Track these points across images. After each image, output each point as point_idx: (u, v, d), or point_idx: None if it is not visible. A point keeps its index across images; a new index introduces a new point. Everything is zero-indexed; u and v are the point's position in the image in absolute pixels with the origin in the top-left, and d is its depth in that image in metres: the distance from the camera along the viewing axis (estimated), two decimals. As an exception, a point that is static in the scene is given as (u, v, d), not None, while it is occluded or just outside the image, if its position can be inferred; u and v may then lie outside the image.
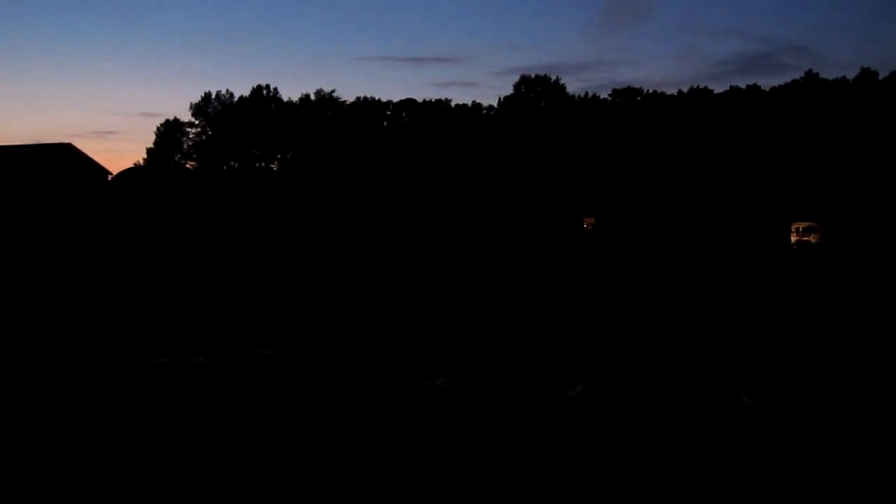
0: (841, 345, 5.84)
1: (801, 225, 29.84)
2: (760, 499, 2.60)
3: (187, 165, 64.38)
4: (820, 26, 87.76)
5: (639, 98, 62.96)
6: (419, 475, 2.75)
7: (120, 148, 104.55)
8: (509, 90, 64.22)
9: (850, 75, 56.49)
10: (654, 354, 5.40)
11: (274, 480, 2.68)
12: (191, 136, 70.97)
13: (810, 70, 58.78)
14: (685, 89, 62.18)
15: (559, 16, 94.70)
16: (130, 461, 2.90)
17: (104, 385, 4.25)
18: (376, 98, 68.23)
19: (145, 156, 68.90)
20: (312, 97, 68.81)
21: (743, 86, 59.97)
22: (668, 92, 62.73)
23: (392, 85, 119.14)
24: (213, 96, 70.25)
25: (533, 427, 3.42)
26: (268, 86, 68.96)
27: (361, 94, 68.55)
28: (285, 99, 69.17)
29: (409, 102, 66.91)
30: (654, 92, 62.75)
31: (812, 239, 28.76)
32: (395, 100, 67.82)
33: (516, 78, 65.23)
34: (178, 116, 70.74)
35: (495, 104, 57.15)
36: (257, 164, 68.27)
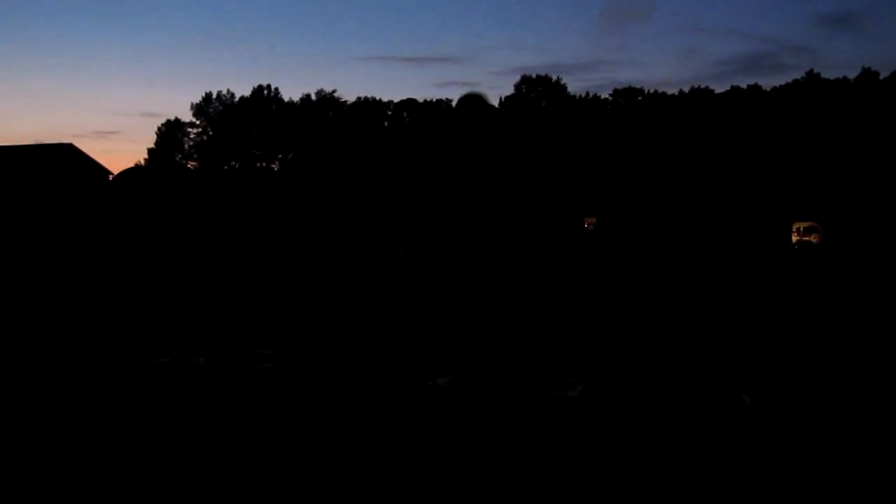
0: (843, 344, 5.83)
1: (802, 225, 29.84)
2: (761, 499, 2.59)
3: (188, 165, 64.39)
4: (820, 26, 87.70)
5: (640, 98, 62.95)
6: (420, 475, 2.75)
7: (121, 148, 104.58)
8: (510, 90, 64.18)
9: (851, 75, 56.48)
10: (654, 354, 5.39)
11: (275, 480, 2.68)
12: (192, 136, 70.99)
13: (811, 70, 58.81)
14: (686, 89, 62.16)
15: (560, 16, 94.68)
16: (132, 461, 2.90)
17: (105, 385, 4.25)
18: (377, 98, 68.23)
19: (146, 156, 68.93)
20: (313, 97, 68.81)
21: (744, 86, 59.96)
22: (669, 92, 62.73)
23: (393, 85, 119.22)
24: (214, 96, 70.28)
25: (533, 427, 3.42)
26: (269, 86, 69.00)
27: (362, 94, 68.62)
28: (286, 99, 69.19)
29: (410, 102, 66.91)
30: (655, 92, 62.74)
31: (813, 239, 28.76)
32: (396, 100, 67.84)
33: (517, 78, 65.24)
34: (179, 116, 70.82)
35: (496, 104, 57.28)
36: (258, 165, 68.29)
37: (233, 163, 66.71)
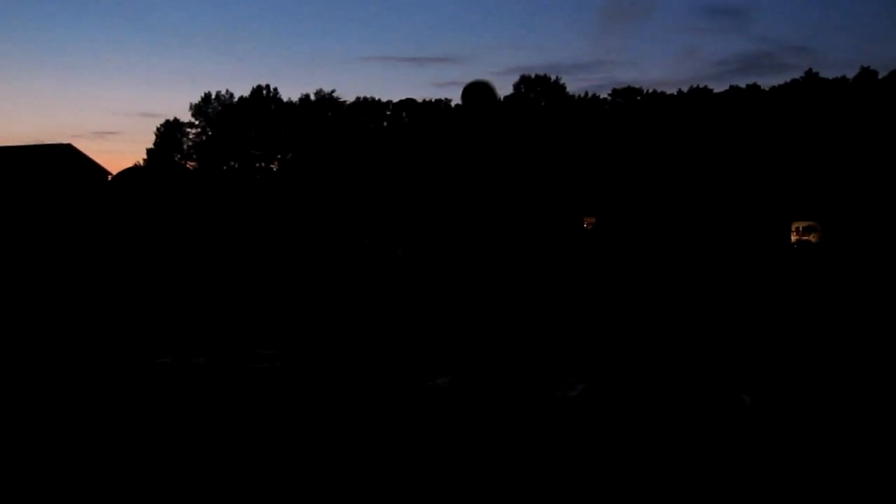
0: (843, 344, 5.84)
1: (802, 224, 29.87)
2: (762, 499, 2.59)
3: (188, 166, 64.46)
4: (820, 26, 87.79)
5: (639, 98, 63.03)
6: (420, 475, 2.75)
7: (120, 148, 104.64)
8: (509, 90, 64.19)
9: (850, 75, 56.58)
10: (654, 354, 5.39)
11: (275, 480, 2.68)
12: (191, 136, 71.08)
13: (810, 69, 58.91)
14: (685, 89, 62.31)
15: (559, 15, 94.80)
16: (132, 461, 2.90)
17: (105, 385, 4.25)
18: (376, 98, 68.33)
19: (145, 156, 68.97)
20: (312, 97, 68.88)
21: (743, 85, 60.10)
22: (668, 91, 62.89)
23: (392, 85, 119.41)
24: (213, 96, 70.36)
25: (533, 427, 3.41)
26: (267, 86, 69.06)
27: (361, 95, 68.75)
28: (285, 99, 69.28)
29: (409, 102, 66.99)
30: (654, 91, 62.87)
31: (812, 238, 28.79)
32: (395, 100, 67.94)
33: (516, 78, 65.35)
34: (178, 117, 70.94)
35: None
36: (257, 165, 68.34)
37: (232, 163, 66.76)
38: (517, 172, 4.13)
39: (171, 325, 6.22)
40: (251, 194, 50.59)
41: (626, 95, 62.30)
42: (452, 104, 64.43)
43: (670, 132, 54.54)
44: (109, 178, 45.42)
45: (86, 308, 7.52)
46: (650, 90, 62.31)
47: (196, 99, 69.43)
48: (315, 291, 9.65)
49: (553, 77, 64.48)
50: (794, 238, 29.35)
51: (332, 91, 67.55)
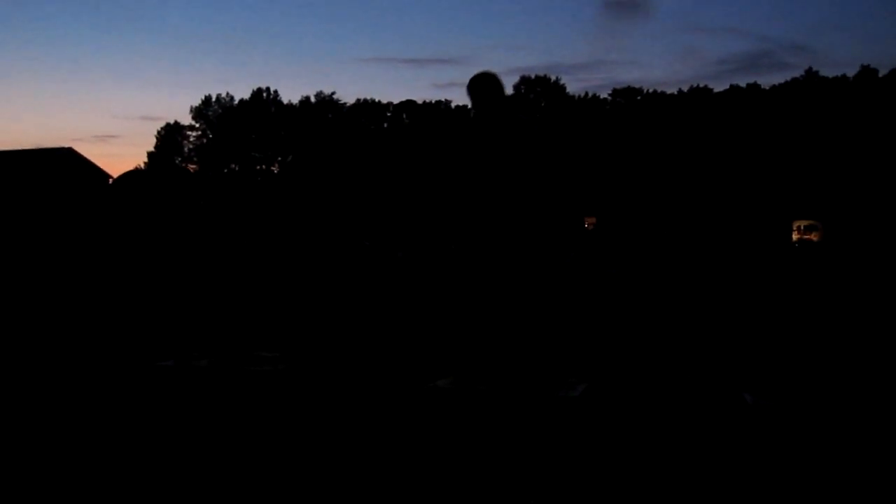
0: (844, 343, 5.84)
1: (803, 223, 29.83)
2: (763, 499, 2.60)
3: (188, 168, 64.49)
4: (820, 24, 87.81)
5: (639, 97, 63.01)
6: (422, 476, 2.75)
7: (121, 152, 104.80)
8: (509, 91, 64.37)
9: (851, 73, 56.53)
10: (656, 354, 5.40)
11: (278, 482, 2.68)
12: (191, 139, 71.12)
13: (810, 68, 58.87)
14: (685, 88, 62.29)
15: (558, 16, 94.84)
16: (135, 464, 2.91)
17: (108, 388, 4.26)
18: (376, 100, 68.34)
19: (146, 159, 69.03)
20: (312, 99, 68.90)
21: (743, 84, 60.07)
22: (669, 91, 62.86)
23: (392, 86, 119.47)
24: (214, 99, 70.39)
25: (535, 427, 3.42)
26: (268, 88, 69.09)
27: (361, 96, 68.72)
28: (285, 101, 69.30)
29: (410, 104, 66.98)
30: (655, 91, 62.86)
31: (813, 237, 28.76)
32: (396, 101, 67.92)
33: (516, 78, 65.25)
34: (179, 120, 70.96)
35: (496, 105, 57.12)
36: (258, 167, 68.38)
37: (233, 165, 66.80)
38: (521, 172, 4.12)
39: (173, 328, 6.23)
40: (252, 197, 50.62)
41: (627, 95, 62.29)
42: (453, 105, 64.48)
43: (671, 132, 54.53)
44: (110, 181, 45.42)
45: (87, 311, 7.53)
46: (650, 90, 62.33)
47: (197, 102, 69.50)
48: (316, 293, 9.66)
49: (553, 77, 64.50)
50: (795, 237, 29.32)
51: (333, 93, 67.63)
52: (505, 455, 3.00)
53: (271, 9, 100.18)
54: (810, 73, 56.88)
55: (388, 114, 66.52)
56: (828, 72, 62.65)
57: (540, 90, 63.75)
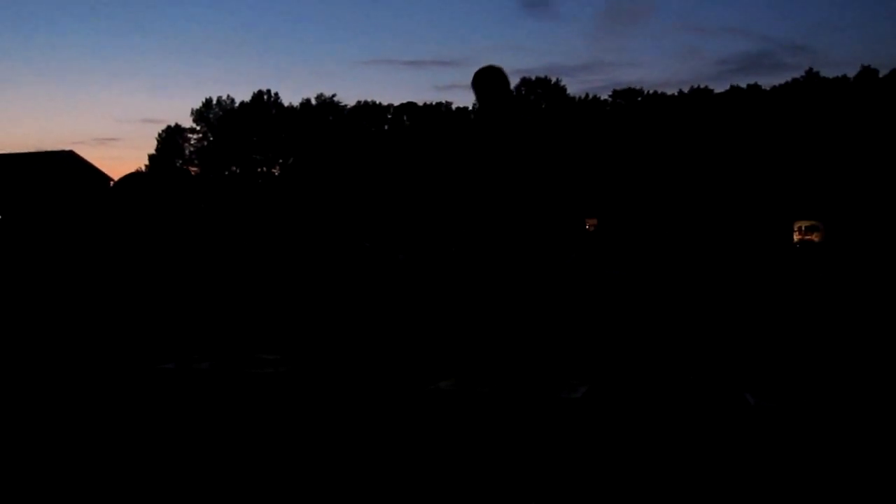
0: (846, 344, 5.83)
1: (804, 224, 29.85)
2: (766, 500, 2.59)
3: (189, 171, 64.59)
4: (820, 25, 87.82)
5: (639, 99, 63.05)
6: (424, 478, 2.75)
7: (122, 154, 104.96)
8: (510, 92, 64.40)
9: (851, 73, 56.53)
10: (657, 355, 5.39)
11: (280, 485, 2.68)
12: (192, 141, 71.22)
13: (811, 69, 58.96)
14: (686, 89, 62.32)
15: (559, 17, 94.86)
16: (136, 466, 2.91)
17: (109, 391, 4.26)
18: (377, 102, 68.37)
19: (147, 162, 69.11)
20: (313, 102, 69.00)
21: (743, 85, 60.08)
22: (669, 92, 62.93)
23: (392, 88, 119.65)
24: (215, 102, 70.50)
25: (537, 429, 3.41)
26: (269, 91, 69.22)
27: (362, 98, 68.77)
28: (286, 104, 69.42)
29: (410, 106, 67.05)
30: (655, 92, 62.93)
31: (815, 237, 28.77)
32: (396, 103, 67.99)
33: (517, 80, 65.30)
34: (180, 122, 71.06)
35: (496, 106, 57.12)
36: (259, 169, 68.44)
37: (234, 168, 66.87)
38: (522, 173, 4.10)
39: (174, 331, 6.22)
40: (253, 199, 50.65)
41: (627, 96, 62.32)
42: (454, 107, 64.53)
43: (671, 133, 54.53)
44: (111, 184, 45.45)
45: (89, 314, 7.53)
46: (651, 91, 62.39)
47: (197, 104, 69.59)
48: (317, 295, 9.66)
49: (553, 79, 64.56)
50: (796, 237, 29.34)
51: (333, 95, 67.71)
52: (507, 457, 3.00)
53: (272, 11, 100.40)
54: (811, 74, 56.88)
55: (389, 116, 66.57)
56: (828, 72, 62.69)
57: (540, 92, 63.78)
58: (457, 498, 2.58)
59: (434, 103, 66.16)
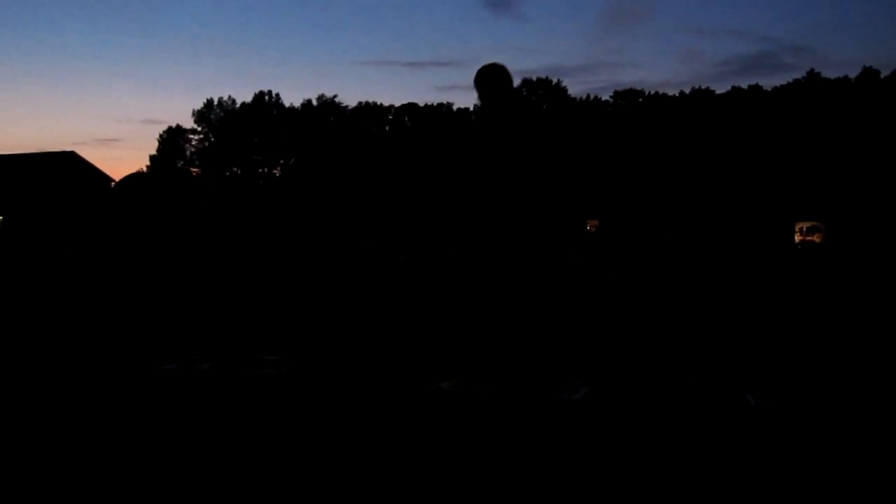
0: (847, 345, 5.83)
1: (805, 225, 29.86)
2: (766, 501, 2.59)
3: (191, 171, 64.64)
4: (821, 26, 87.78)
5: (640, 99, 63.05)
6: (425, 479, 2.75)
7: (123, 155, 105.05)
8: (511, 93, 64.41)
9: (852, 74, 56.51)
10: (658, 356, 5.39)
11: (281, 486, 2.68)
12: (193, 142, 71.28)
13: (812, 69, 58.90)
14: (687, 90, 62.30)
15: (560, 18, 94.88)
16: (137, 467, 2.91)
17: (110, 391, 4.26)
18: (378, 103, 68.44)
19: (148, 163, 69.15)
20: (314, 102, 69.05)
21: (745, 86, 60.03)
22: (670, 93, 62.92)
23: (393, 89, 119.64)
24: (216, 103, 70.57)
25: (538, 430, 3.42)
26: (270, 92, 69.22)
27: (363, 99, 68.82)
28: (287, 105, 69.47)
29: (411, 107, 67.08)
30: (656, 93, 62.94)
31: (816, 238, 28.76)
32: (397, 104, 68.03)
33: (518, 81, 65.30)
34: (181, 123, 71.16)
35: (497, 107, 57.11)
36: (260, 170, 68.48)
37: (235, 169, 66.91)
38: (523, 173, 4.10)
39: (175, 332, 6.23)
40: (254, 200, 50.67)
41: (628, 97, 62.31)
42: (455, 108, 64.54)
43: (672, 134, 54.52)
44: (112, 185, 45.48)
45: (90, 314, 7.54)
46: (652, 92, 62.37)
47: (199, 105, 69.62)
48: (318, 296, 9.66)
49: (555, 80, 64.57)
50: (797, 238, 29.32)
51: (334, 96, 67.75)
52: (508, 458, 3.00)
53: (273, 12, 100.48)
54: (812, 75, 56.85)
55: (390, 117, 66.59)
56: (829, 73, 62.70)
57: (542, 93, 63.79)
58: (458, 498, 2.59)
59: (435, 104, 66.20)
